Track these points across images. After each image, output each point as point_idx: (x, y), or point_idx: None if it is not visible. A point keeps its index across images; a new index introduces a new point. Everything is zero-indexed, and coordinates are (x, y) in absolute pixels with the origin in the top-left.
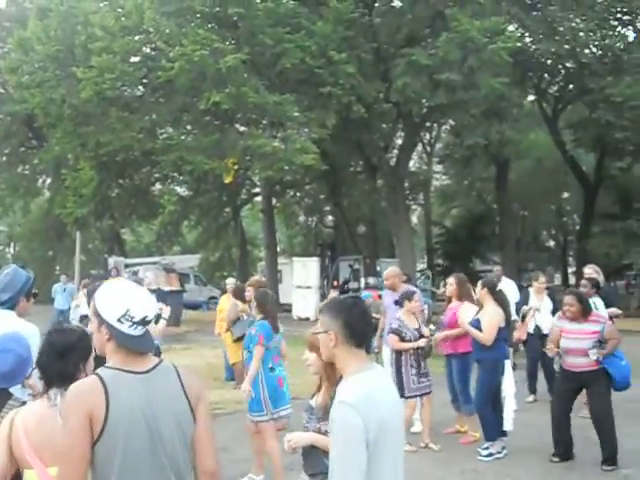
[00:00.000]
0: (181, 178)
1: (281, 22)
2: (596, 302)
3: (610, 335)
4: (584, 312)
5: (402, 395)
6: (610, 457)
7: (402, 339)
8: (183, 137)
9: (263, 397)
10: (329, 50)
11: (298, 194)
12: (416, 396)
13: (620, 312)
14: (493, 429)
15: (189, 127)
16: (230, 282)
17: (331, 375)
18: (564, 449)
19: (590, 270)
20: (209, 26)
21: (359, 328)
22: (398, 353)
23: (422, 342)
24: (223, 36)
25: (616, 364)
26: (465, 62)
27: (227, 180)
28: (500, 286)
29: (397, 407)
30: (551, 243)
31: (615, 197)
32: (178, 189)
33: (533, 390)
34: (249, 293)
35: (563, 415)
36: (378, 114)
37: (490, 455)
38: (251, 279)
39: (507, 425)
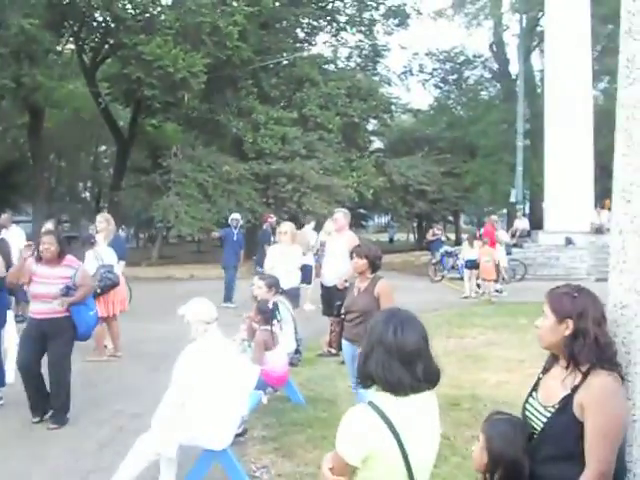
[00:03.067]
0: None
1: None
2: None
3: (82, 281)
4: (59, 254)
5: None
6: (60, 410)
7: None
8: None
9: None
10: None
11: None
12: None
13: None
14: None
15: None
16: None
17: None
18: (36, 403)
19: (101, 219)
20: None
21: None
22: None
23: None
24: None
25: (83, 314)
26: None
27: None
28: (8, 234)
29: None
30: (87, 194)
31: (147, 152)
32: None
33: None
34: None
35: (28, 368)
36: None
37: None
38: None
39: (9, 377)
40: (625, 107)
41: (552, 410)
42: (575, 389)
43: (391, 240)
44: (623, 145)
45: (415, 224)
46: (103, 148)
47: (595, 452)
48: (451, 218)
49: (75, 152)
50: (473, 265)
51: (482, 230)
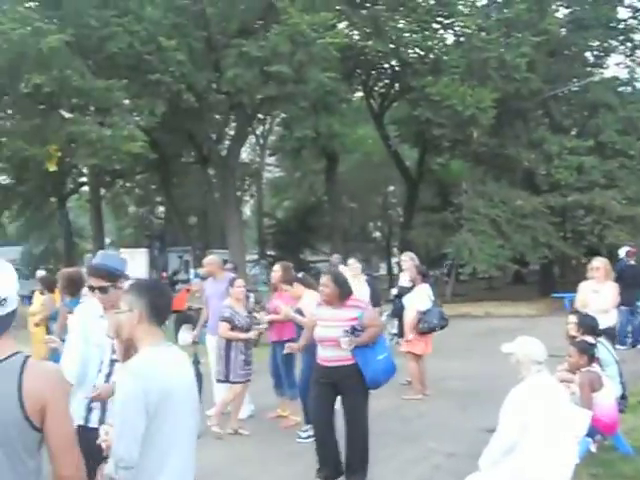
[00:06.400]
0: (0, 165)
1: (108, 4)
2: (421, 289)
3: (371, 322)
4: (341, 295)
5: (227, 380)
6: (357, 466)
7: (233, 327)
8: (2, 121)
9: None
10: (158, 36)
11: (128, 184)
12: (241, 382)
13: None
14: None
15: (9, 111)
16: (40, 274)
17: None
18: (331, 468)
19: (406, 257)
20: (30, 4)
21: (161, 307)
22: (228, 340)
23: (252, 334)
24: (46, 15)
25: (369, 357)
26: (295, 55)
27: (50, 168)
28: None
29: (186, 383)
30: (377, 234)
31: (435, 190)
32: None
33: None
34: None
35: (324, 425)
36: (209, 104)
37: (309, 437)
38: (62, 270)
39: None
40: None
41: None
42: None
43: None
44: None
45: None
46: (391, 188)
47: None
48: None
49: (366, 193)
50: None
51: None
